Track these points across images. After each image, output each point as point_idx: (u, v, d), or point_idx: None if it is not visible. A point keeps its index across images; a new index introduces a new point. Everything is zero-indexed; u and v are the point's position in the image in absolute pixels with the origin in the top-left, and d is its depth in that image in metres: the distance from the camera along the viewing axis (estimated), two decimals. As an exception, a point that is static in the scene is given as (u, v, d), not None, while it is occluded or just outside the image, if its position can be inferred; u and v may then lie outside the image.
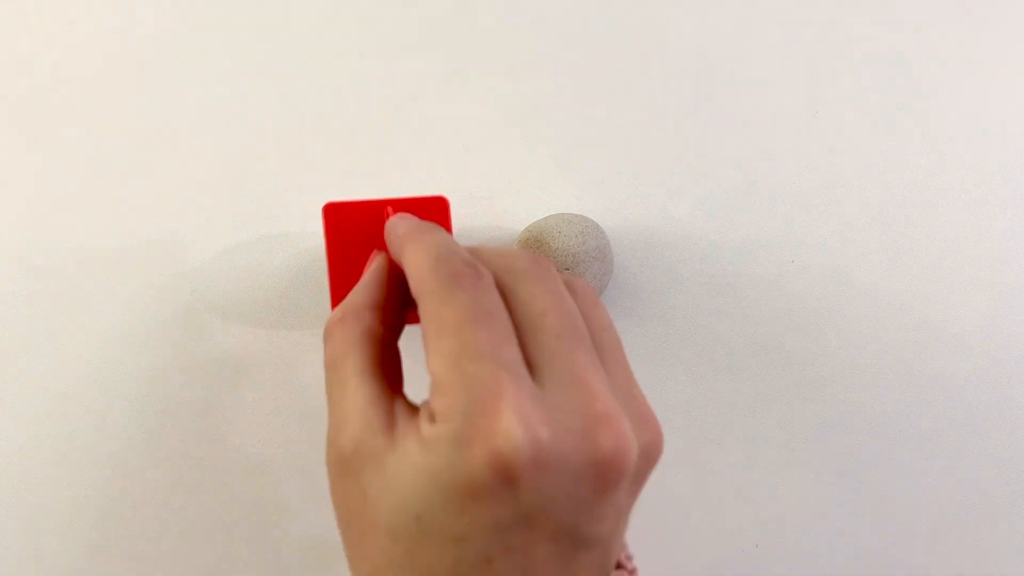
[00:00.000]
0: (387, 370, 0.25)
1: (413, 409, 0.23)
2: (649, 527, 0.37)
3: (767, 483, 0.37)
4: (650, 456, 0.24)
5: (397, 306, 0.26)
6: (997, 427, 0.37)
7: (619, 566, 0.26)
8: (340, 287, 0.29)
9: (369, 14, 0.37)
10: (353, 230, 0.29)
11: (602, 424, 0.22)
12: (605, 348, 0.25)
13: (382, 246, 0.29)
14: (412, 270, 0.24)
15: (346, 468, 0.23)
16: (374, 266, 0.27)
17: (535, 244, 0.33)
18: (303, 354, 0.36)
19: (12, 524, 0.35)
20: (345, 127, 0.36)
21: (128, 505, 0.36)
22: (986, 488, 0.37)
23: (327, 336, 0.25)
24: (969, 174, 0.38)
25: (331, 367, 0.24)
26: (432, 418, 0.22)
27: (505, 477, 0.21)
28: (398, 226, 0.26)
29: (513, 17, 0.37)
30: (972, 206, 0.38)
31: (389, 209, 0.29)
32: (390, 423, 0.23)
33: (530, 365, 0.23)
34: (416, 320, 0.26)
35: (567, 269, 0.33)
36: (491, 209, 0.37)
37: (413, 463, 0.22)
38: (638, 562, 0.37)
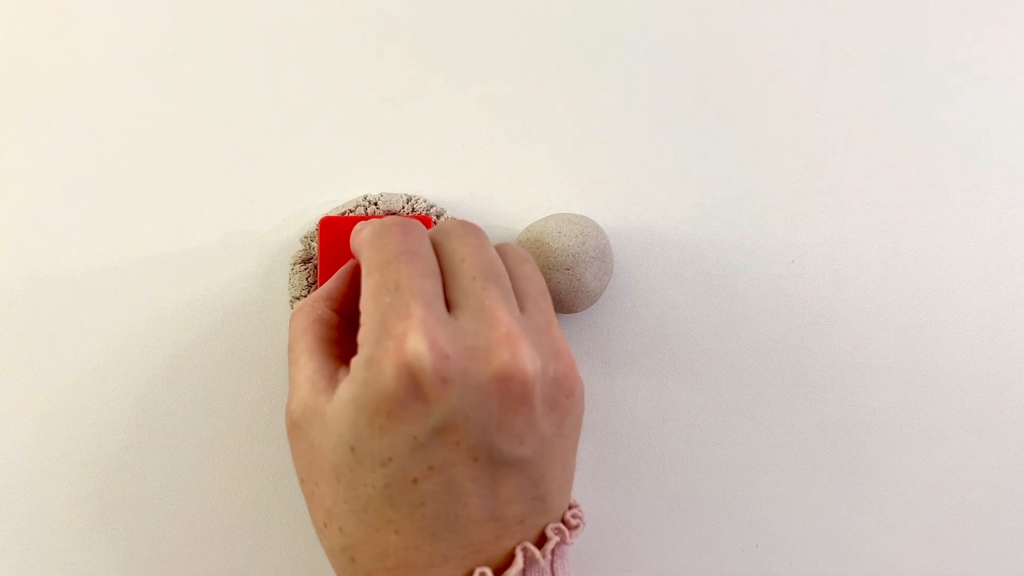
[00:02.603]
0: (340, 349, 0.27)
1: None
2: (649, 526, 0.37)
3: (767, 483, 0.37)
4: (563, 385, 0.25)
5: (354, 297, 0.28)
6: (997, 427, 0.37)
7: (564, 523, 0.27)
8: None
9: (369, 14, 0.37)
10: (344, 242, 0.32)
11: (501, 342, 0.24)
12: (526, 293, 0.27)
13: None
14: (356, 241, 0.27)
15: (296, 429, 0.26)
16: (344, 266, 0.30)
17: (535, 244, 0.33)
18: (303, 354, 0.36)
19: (12, 525, 0.35)
20: (345, 127, 0.36)
21: (127, 505, 0.36)
22: (986, 488, 0.37)
23: (289, 326, 0.28)
24: (969, 174, 0.38)
25: (289, 350, 0.27)
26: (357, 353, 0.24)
27: (412, 388, 0.22)
28: (360, 227, 0.29)
29: (513, 17, 0.37)
30: (972, 206, 0.38)
31: None
32: (332, 384, 0.25)
33: (450, 304, 0.25)
34: None
35: (567, 269, 0.33)
36: (491, 209, 0.37)
37: (342, 398, 0.24)
38: (637, 560, 0.37)
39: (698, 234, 0.37)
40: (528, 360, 0.24)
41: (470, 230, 0.27)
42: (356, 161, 0.36)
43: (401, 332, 0.23)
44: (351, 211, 0.35)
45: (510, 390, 0.23)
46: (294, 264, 0.35)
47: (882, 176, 0.37)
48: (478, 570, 0.24)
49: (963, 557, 0.37)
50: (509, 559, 0.25)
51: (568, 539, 0.26)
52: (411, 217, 0.33)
